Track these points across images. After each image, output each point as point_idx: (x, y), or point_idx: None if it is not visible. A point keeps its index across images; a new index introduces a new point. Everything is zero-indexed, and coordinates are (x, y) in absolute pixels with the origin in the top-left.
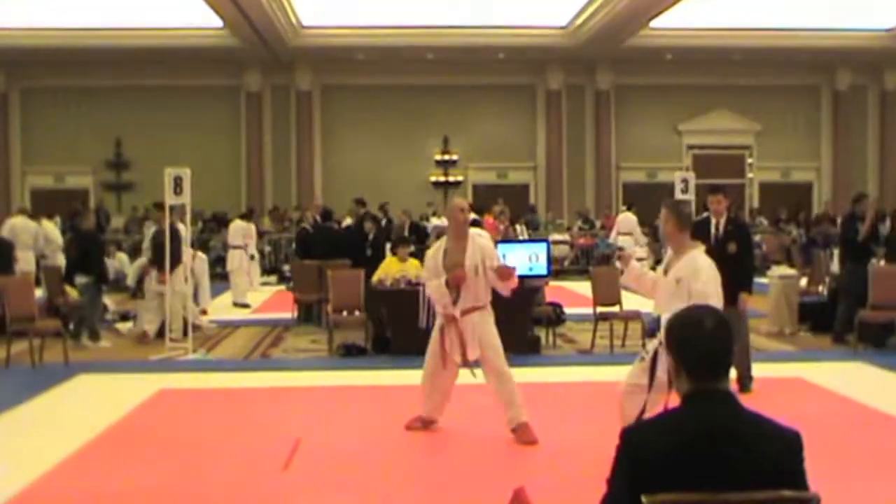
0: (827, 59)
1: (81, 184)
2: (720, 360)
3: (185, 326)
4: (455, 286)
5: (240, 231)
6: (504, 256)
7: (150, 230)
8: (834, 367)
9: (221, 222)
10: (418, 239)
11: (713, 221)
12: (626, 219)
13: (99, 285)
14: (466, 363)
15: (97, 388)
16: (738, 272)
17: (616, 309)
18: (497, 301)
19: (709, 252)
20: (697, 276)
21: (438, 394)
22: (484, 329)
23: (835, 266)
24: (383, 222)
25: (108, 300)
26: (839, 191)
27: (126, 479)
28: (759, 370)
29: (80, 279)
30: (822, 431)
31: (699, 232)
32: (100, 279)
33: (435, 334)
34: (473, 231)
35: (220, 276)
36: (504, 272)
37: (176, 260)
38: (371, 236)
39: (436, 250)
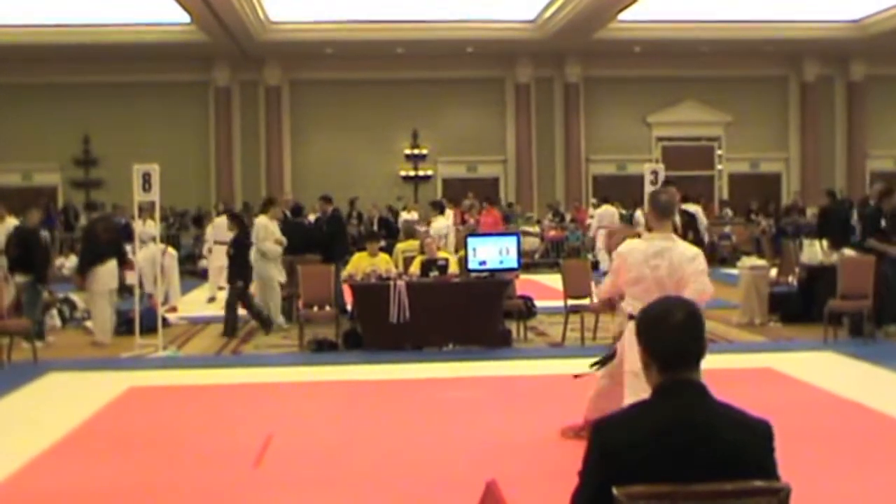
0: (794, 51)
1: (49, 181)
2: (689, 351)
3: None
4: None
5: (224, 226)
6: (474, 250)
7: None
8: (804, 356)
9: (198, 222)
10: (388, 234)
11: None
12: (607, 213)
13: (37, 284)
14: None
15: (67, 386)
16: None
17: (587, 301)
18: (468, 294)
19: None
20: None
21: None
22: None
23: (804, 256)
24: (354, 217)
25: (77, 298)
26: (807, 181)
27: (96, 478)
28: (729, 361)
29: (20, 277)
30: (793, 421)
31: None
32: (39, 278)
33: None
34: None
35: (189, 273)
36: None
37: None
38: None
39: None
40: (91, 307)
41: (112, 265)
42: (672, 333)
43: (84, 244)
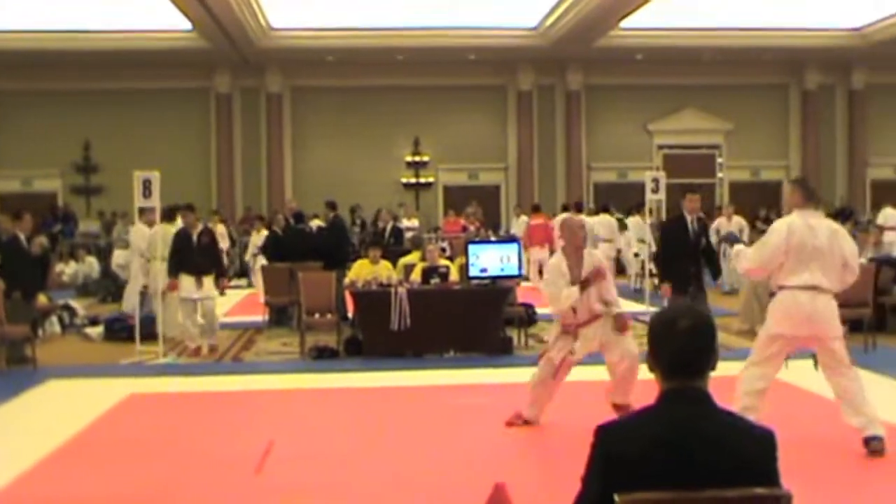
0: (795, 59)
1: (49, 187)
2: (694, 359)
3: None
4: (594, 282)
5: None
6: (476, 257)
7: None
8: (804, 364)
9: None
10: (396, 241)
11: (688, 218)
12: (605, 222)
13: (27, 298)
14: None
15: (67, 393)
16: (710, 262)
17: None
18: (469, 301)
19: (686, 246)
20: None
21: (545, 399)
22: (609, 335)
23: None
24: (357, 224)
25: (77, 304)
26: None
27: (96, 485)
28: (729, 368)
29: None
30: (793, 429)
31: (676, 228)
32: (25, 293)
33: (555, 346)
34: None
35: None
36: (620, 322)
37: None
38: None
39: (559, 265)
40: (213, 314)
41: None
42: (677, 340)
43: (174, 249)
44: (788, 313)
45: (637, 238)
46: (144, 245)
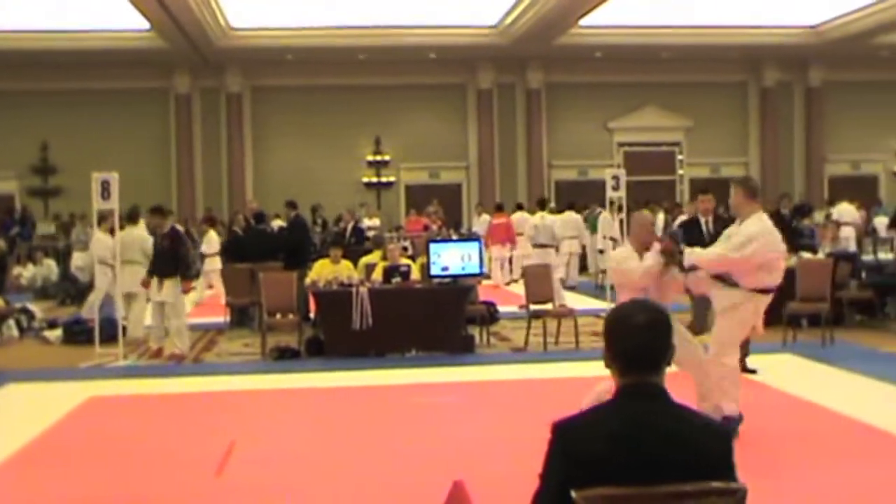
0: (754, 56)
1: (6, 190)
2: (650, 354)
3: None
4: (667, 252)
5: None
6: (438, 256)
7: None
8: (763, 359)
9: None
10: (358, 241)
11: (703, 220)
12: (570, 220)
13: None
14: None
15: (26, 397)
16: None
17: (549, 307)
18: (430, 300)
19: (702, 247)
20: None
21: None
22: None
23: None
24: (319, 224)
25: (35, 307)
26: (767, 185)
27: (56, 489)
28: None
29: None
30: (751, 423)
31: (691, 231)
32: None
33: None
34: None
35: None
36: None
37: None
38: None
39: (627, 257)
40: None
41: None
42: (633, 335)
43: (184, 251)
44: None
45: (605, 235)
46: (107, 254)
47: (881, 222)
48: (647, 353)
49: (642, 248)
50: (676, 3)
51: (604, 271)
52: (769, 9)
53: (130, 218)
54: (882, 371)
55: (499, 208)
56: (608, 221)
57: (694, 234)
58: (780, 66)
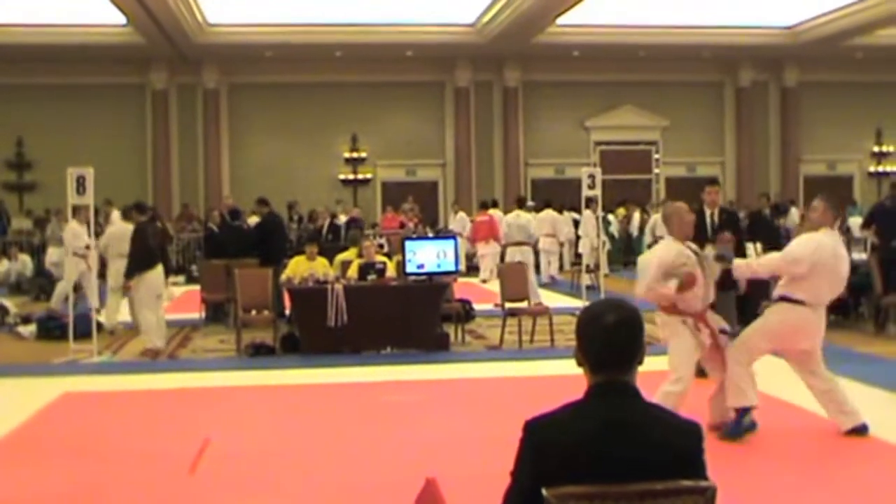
0: (730, 56)
1: None
2: (621, 354)
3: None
4: (689, 287)
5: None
6: (413, 253)
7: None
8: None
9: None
10: (334, 238)
11: (707, 212)
12: (549, 218)
13: None
14: None
15: None
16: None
17: (524, 304)
18: (406, 298)
19: (704, 239)
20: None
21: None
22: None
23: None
24: (295, 220)
25: (9, 302)
26: (743, 184)
27: (29, 485)
28: (661, 363)
29: None
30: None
31: (697, 221)
32: None
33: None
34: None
35: None
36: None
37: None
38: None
39: (668, 252)
40: (136, 313)
41: (159, 270)
42: (605, 334)
43: (134, 248)
44: None
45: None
46: (79, 243)
47: (855, 223)
48: (618, 352)
49: (685, 240)
50: (653, 2)
51: (580, 270)
52: (745, 9)
53: (126, 214)
54: (856, 371)
55: (483, 206)
56: (589, 219)
57: (697, 226)
58: (756, 67)
